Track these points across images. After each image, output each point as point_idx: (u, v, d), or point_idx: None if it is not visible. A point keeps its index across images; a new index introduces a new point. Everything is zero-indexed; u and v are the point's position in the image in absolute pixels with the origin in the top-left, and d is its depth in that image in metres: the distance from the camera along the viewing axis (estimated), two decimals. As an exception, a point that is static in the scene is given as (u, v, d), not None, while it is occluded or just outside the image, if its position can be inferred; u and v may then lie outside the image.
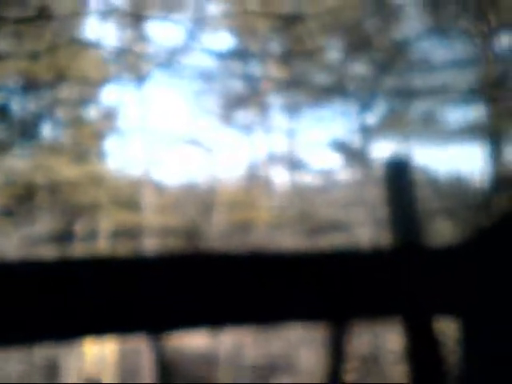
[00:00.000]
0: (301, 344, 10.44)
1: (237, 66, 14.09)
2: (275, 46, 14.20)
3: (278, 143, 13.77)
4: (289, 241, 11.92)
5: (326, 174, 13.67)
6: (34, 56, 13.85)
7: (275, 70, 14.03)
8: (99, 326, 1.39)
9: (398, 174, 2.34)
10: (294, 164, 13.56)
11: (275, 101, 14.14)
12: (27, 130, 13.75)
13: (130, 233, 12.71)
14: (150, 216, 12.74)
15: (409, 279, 1.73)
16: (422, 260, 1.85)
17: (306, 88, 13.73)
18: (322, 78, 13.76)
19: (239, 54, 14.22)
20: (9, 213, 12.52)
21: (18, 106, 14.05)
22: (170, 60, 14.34)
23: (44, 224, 12.38)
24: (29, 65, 13.66)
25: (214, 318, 1.60)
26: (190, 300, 1.54)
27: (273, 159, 13.63)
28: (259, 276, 1.64)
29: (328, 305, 1.65)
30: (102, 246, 12.68)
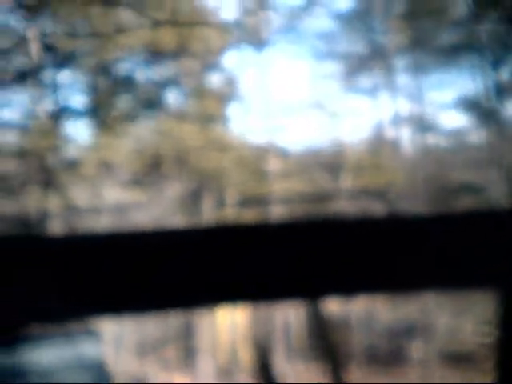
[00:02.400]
0: (435, 308, 10.17)
1: (359, 27, 13.77)
2: (398, 5, 13.79)
3: (404, 105, 13.41)
4: (419, 204, 11.60)
5: (457, 134, 13.23)
6: (156, 26, 13.98)
7: (399, 30, 13.62)
8: (237, 294, 1.32)
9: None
10: (423, 126, 13.16)
11: (400, 62, 13.74)
12: (152, 100, 13.93)
13: (256, 199, 12.70)
14: (275, 182, 12.68)
15: None
16: None
17: (431, 47, 13.28)
18: (448, 36, 13.26)
19: (361, 15, 13.89)
20: (138, 181, 12.74)
21: (143, 77, 14.26)
22: (290, 24, 14.18)
23: (172, 192, 12.53)
24: (152, 35, 13.80)
25: (348, 284, 1.48)
26: (325, 267, 1.41)
27: (400, 121, 13.29)
28: (391, 241, 1.48)
29: (467, 270, 1.49)
30: (229, 213, 12.73)
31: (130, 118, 13.55)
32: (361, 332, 10.43)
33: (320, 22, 14.35)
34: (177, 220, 12.15)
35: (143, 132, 13.29)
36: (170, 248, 1.25)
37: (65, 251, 1.20)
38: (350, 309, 10.57)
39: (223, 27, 14.25)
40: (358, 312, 10.67)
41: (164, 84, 14.12)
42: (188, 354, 10.60)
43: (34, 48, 13.70)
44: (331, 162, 12.81)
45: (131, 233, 1.25)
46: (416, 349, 10.20)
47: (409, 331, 10.29)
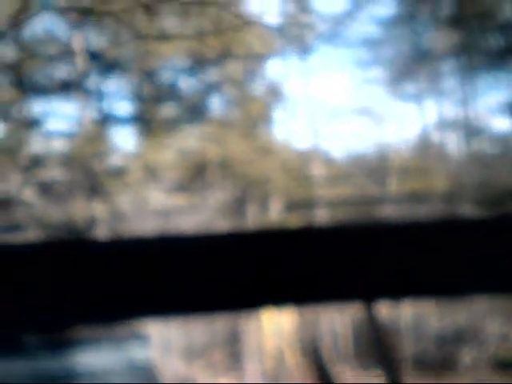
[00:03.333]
0: (487, 314, 9.99)
1: (404, 31, 13.66)
2: (444, 9, 13.65)
3: (450, 109, 13.25)
4: (465, 208, 11.44)
5: (504, 139, 13.02)
6: (199, 34, 14.04)
7: (445, 34, 13.48)
8: (282, 298, 1.32)
9: None
10: (469, 130, 12.99)
11: (446, 66, 13.60)
12: (197, 107, 13.98)
13: (301, 205, 12.63)
14: (321, 187, 12.61)
15: None
16: None
17: (479, 51, 13.12)
18: (496, 40, 13.08)
19: (406, 19, 13.78)
20: (183, 187, 12.76)
21: (187, 84, 14.31)
22: (334, 30, 14.13)
23: (217, 198, 12.53)
24: (195, 42, 13.86)
25: (396, 289, 1.43)
26: (372, 271, 1.38)
27: (446, 126, 13.14)
28: (438, 245, 1.44)
29: None
30: (274, 218, 12.68)
31: (174, 124, 13.61)
32: (410, 337, 10.29)
33: (365, 27, 14.26)
34: (221, 225, 12.14)
35: (187, 138, 13.33)
36: (215, 252, 1.25)
37: (112, 255, 1.21)
38: (399, 314, 10.44)
39: (267, 33, 14.25)
40: (408, 317, 10.53)
41: (208, 91, 14.16)
42: (235, 358, 10.56)
43: (80, 57, 13.86)
44: (376, 166, 12.70)
45: (176, 237, 1.26)
46: (466, 355, 10.02)
47: (459, 337, 10.12)
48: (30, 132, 13.10)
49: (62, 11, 13.75)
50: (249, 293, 1.27)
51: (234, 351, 10.71)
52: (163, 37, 13.79)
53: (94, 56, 13.97)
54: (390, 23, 14.02)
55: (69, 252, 1.19)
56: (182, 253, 1.23)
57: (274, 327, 11.08)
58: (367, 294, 1.35)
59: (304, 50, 14.15)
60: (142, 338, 9.29)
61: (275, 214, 12.79)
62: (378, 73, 13.87)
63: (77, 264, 1.18)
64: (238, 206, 12.68)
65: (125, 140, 13.88)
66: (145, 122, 13.72)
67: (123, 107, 14.07)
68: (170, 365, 9.73)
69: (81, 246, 1.23)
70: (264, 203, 12.85)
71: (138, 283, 1.20)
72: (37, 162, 12.67)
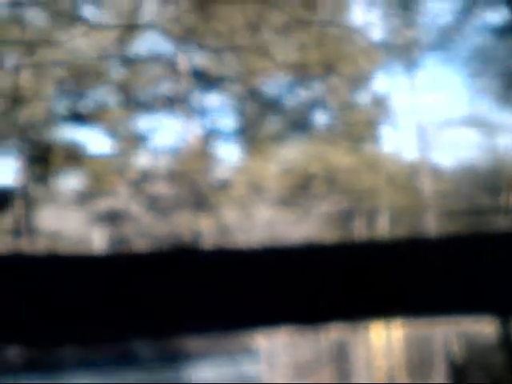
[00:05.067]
0: None
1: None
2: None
3: None
4: None
5: None
6: (302, 48, 13.99)
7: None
8: (392, 310, 1.27)
9: None
10: None
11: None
12: (300, 121, 13.89)
13: (409, 217, 12.31)
14: (429, 199, 12.27)
15: None
16: None
17: None
18: None
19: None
20: (287, 201, 12.65)
21: (291, 98, 14.25)
22: (441, 41, 13.83)
23: (322, 211, 12.34)
24: (299, 57, 13.82)
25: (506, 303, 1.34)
26: (488, 281, 1.30)
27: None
28: None
29: None
30: (382, 230, 12.40)
31: (278, 139, 13.55)
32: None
33: (474, 38, 13.87)
34: (327, 238, 11.94)
35: (292, 153, 13.24)
36: (321, 263, 1.22)
37: (218, 264, 1.21)
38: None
39: (372, 47, 14.07)
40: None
41: (312, 105, 14.07)
42: (343, 375, 10.30)
43: (184, 74, 14.03)
44: (487, 177, 12.27)
45: (284, 248, 1.25)
46: None
47: None
48: (138, 148, 13.29)
49: (167, 31, 13.99)
50: (358, 304, 1.22)
51: (342, 367, 10.45)
52: (266, 52, 13.81)
53: (198, 73, 14.10)
54: (500, 32, 13.59)
55: (176, 261, 1.19)
56: (288, 264, 1.21)
57: (383, 342, 10.76)
58: (503, 307, 1.26)
59: (411, 62, 13.90)
60: (252, 353, 9.18)
61: (383, 226, 12.50)
62: (489, 83, 13.44)
63: (190, 273, 1.18)
64: (344, 218, 12.47)
65: (229, 154, 13.91)
66: (249, 136, 13.72)
67: (227, 122, 14.13)
68: (279, 380, 9.55)
69: (188, 254, 1.24)
70: (371, 215, 12.60)
71: (247, 294, 1.18)
72: (144, 177, 12.83)
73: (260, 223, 12.05)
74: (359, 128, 13.47)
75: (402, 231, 12.06)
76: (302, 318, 1.22)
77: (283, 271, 1.20)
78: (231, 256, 1.23)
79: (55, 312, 1.11)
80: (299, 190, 12.75)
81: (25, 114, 12.49)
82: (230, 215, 12.33)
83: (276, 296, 1.19)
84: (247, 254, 1.23)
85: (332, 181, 12.61)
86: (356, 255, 1.24)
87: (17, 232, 12.05)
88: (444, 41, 13.71)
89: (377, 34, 14.41)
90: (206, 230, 12.40)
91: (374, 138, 13.77)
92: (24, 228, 12.07)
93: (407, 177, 12.80)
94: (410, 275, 1.23)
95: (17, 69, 12.68)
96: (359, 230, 12.36)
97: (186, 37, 14.05)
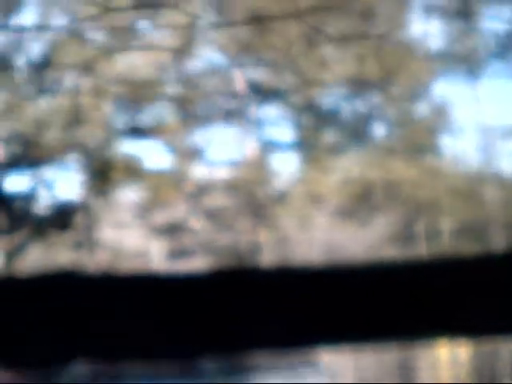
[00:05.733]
0: None
1: None
2: None
3: None
4: None
5: None
6: (360, 59, 13.85)
7: None
8: (456, 328, 1.25)
9: None
10: None
11: None
12: (359, 132, 13.72)
13: (474, 228, 12.00)
14: (495, 209, 11.94)
15: None
16: None
17: None
18: None
19: None
20: (347, 213, 12.47)
21: (348, 109, 14.10)
22: (503, 50, 13.55)
23: (383, 223, 12.12)
24: (356, 68, 13.67)
25: None
26: None
27: None
28: None
29: None
30: (446, 244, 12.11)
31: (336, 150, 13.40)
32: None
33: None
34: (389, 251, 11.71)
35: (350, 164, 13.06)
36: (383, 280, 1.23)
37: (277, 282, 1.23)
38: None
39: (431, 57, 13.86)
40: None
41: (370, 116, 13.89)
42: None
43: (241, 87, 14.00)
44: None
45: (344, 265, 1.26)
46: None
47: None
48: (195, 161, 13.28)
49: (223, 45, 14.01)
50: (421, 323, 1.20)
51: (406, 381, 10.20)
52: (323, 64, 13.70)
53: (255, 86, 14.07)
54: None
55: (235, 279, 1.21)
56: (351, 282, 1.21)
57: (450, 359, 10.48)
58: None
59: (473, 71, 13.64)
60: (316, 366, 9.05)
61: (446, 238, 12.21)
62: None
63: (243, 290, 1.20)
64: (407, 230, 12.21)
65: (288, 166, 13.82)
66: (307, 148, 13.60)
67: (285, 134, 14.04)
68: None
69: (247, 272, 1.25)
70: (434, 227, 12.31)
71: (311, 311, 1.19)
72: (202, 189, 12.80)
73: (319, 234, 11.89)
74: (419, 138, 13.23)
75: (466, 244, 11.76)
76: (364, 335, 1.23)
77: (345, 289, 1.21)
78: (293, 274, 1.24)
79: (122, 327, 1.15)
80: (359, 201, 12.55)
81: (85, 130, 12.60)
82: (288, 226, 12.20)
83: (339, 314, 1.20)
84: (309, 271, 1.24)
85: (392, 192, 12.39)
86: (420, 273, 1.23)
87: (78, 246, 12.11)
88: (507, 49, 13.44)
89: (436, 43, 14.14)
90: (264, 241, 12.29)
91: (435, 148, 13.51)
92: (85, 242, 12.13)
93: (471, 187, 12.50)
94: (476, 294, 1.21)
95: (76, 86, 12.81)
96: (421, 243, 12.09)
97: (242, 50, 14.05)
